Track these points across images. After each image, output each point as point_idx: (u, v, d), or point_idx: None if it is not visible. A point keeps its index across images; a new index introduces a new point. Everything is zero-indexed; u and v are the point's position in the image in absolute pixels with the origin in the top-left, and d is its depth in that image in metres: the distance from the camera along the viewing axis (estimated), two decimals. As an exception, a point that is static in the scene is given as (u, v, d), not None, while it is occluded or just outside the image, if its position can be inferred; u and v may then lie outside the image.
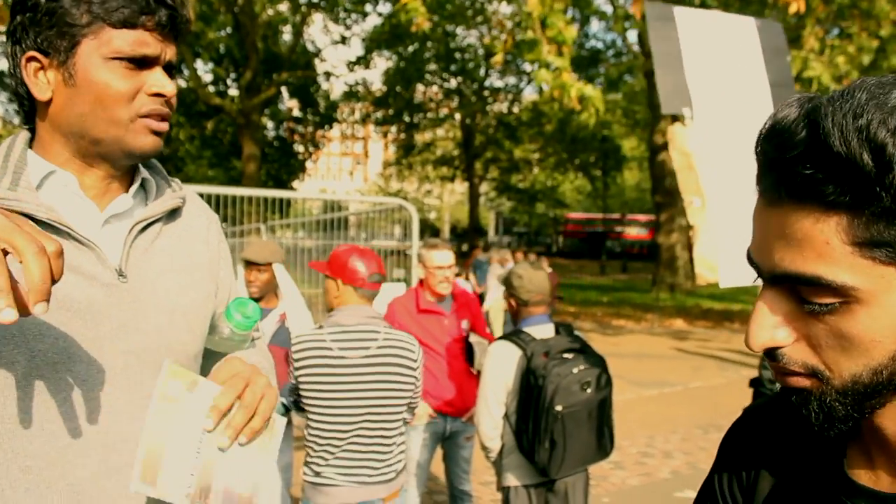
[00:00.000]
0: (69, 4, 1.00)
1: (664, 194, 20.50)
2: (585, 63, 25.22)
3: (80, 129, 1.04)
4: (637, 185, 44.45)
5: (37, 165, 1.06)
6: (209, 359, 1.30)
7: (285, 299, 3.80)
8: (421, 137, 35.58)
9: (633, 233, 43.60)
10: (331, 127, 33.16)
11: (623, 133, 32.12)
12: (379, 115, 32.14)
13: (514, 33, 10.57)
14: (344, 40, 25.80)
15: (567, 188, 45.51)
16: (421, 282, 3.77)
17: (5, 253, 0.76)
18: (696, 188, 2.87)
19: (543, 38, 7.63)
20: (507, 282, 3.01)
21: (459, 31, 26.63)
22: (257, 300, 3.57)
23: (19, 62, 1.03)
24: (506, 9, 22.79)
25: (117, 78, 1.02)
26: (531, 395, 2.70)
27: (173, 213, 1.18)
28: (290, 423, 3.64)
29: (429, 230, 46.83)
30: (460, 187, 46.67)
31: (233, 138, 25.55)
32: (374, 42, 25.62)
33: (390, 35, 24.11)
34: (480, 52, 27.78)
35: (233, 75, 26.20)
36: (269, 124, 29.19)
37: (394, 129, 34.18)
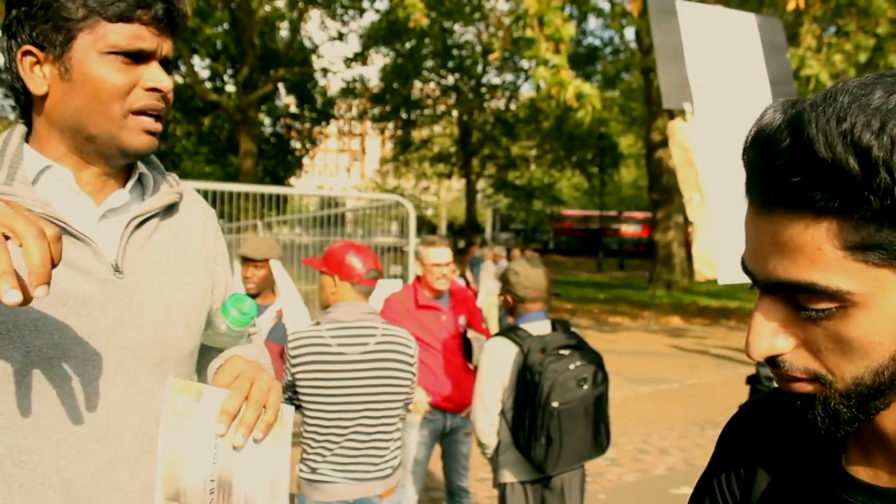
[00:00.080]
0: None
1: (661, 191, 20.53)
2: (583, 60, 25.22)
3: (75, 123, 1.04)
4: (634, 182, 44.48)
5: (33, 160, 1.06)
6: (205, 354, 1.29)
7: (282, 296, 3.80)
8: (418, 134, 35.54)
9: (631, 230, 43.64)
10: (328, 123, 33.14)
11: (620, 130, 32.10)
12: (376, 111, 32.09)
13: (511, 30, 10.56)
14: (341, 36, 25.77)
15: (564, 185, 45.54)
16: (418, 278, 3.77)
17: (6, 238, 0.77)
18: (696, 184, 2.87)
19: (541, 35, 7.63)
20: (503, 278, 3.01)
21: (457, 27, 26.59)
22: (254, 296, 3.57)
23: (15, 56, 1.03)
24: (503, 5, 22.78)
25: (113, 72, 1.02)
26: (528, 391, 2.71)
27: (170, 209, 1.18)
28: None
29: (426, 227, 46.81)
30: (457, 184, 46.65)
31: (229, 134, 25.52)
32: (372, 38, 25.58)
33: (387, 31, 24.07)
34: (478, 48, 27.76)
35: (230, 71, 26.16)
36: (266, 120, 29.19)
37: (391, 125, 34.13)
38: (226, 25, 23.27)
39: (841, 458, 0.71)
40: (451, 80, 30.86)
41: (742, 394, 6.22)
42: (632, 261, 37.03)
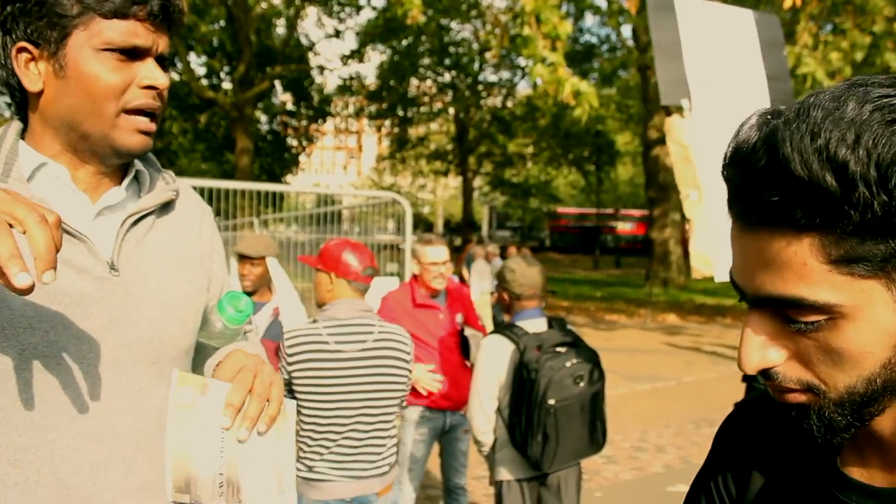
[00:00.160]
0: None
1: (658, 189, 20.55)
2: (579, 58, 25.23)
3: (70, 121, 1.03)
4: (630, 179, 44.50)
5: (28, 157, 1.05)
6: (201, 352, 1.29)
7: (279, 293, 3.79)
8: (415, 132, 35.50)
9: (627, 228, 43.69)
10: (324, 121, 33.10)
11: (617, 128, 32.11)
12: (373, 109, 32.06)
13: (508, 28, 10.55)
14: (338, 34, 25.73)
15: (561, 183, 45.54)
16: (415, 277, 3.76)
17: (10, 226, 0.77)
18: (694, 181, 2.87)
19: (538, 33, 7.62)
20: (500, 276, 3.01)
21: (454, 25, 26.58)
22: (250, 294, 3.56)
23: (10, 53, 1.02)
24: (500, 3, 22.77)
25: (108, 70, 1.01)
26: (524, 388, 2.71)
27: (166, 206, 1.18)
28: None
29: (422, 225, 46.83)
30: (454, 182, 46.64)
31: (226, 132, 25.44)
32: (368, 36, 25.55)
33: (384, 29, 24.05)
34: (475, 46, 27.74)
35: (226, 68, 26.07)
36: (263, 118, 29.10)
37: (387, 123, 34.09)
38: (222, 22, 23.20)
39: (836, 458, 0.71)
40: (447, 77, 30.85)
41: (738, 391, 6.24)
42: (628, 258, 37.11)
